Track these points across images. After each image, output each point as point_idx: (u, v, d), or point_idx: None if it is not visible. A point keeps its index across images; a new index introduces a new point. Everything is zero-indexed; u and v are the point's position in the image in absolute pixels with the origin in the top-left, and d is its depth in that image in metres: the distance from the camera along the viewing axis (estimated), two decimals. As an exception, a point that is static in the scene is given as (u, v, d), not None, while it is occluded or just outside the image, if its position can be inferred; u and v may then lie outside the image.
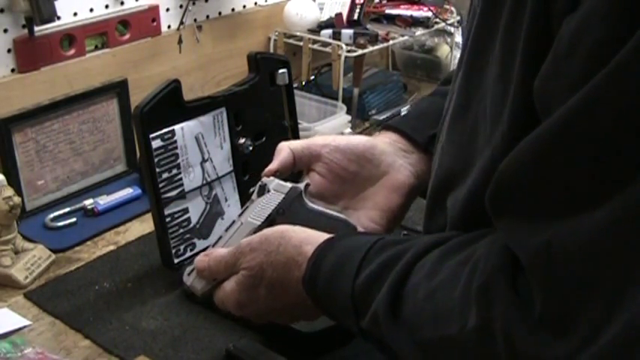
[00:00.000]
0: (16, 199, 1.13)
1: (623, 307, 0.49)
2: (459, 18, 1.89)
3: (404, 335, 0.65)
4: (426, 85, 1.96)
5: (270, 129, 1.22)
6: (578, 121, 0.51)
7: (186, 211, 1.11)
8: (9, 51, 1.34)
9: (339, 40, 1.66)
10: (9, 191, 1.13)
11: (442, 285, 0.63)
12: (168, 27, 1.58)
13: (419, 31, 1.79)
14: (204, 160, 1.13)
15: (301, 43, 1.71)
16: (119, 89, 1.41)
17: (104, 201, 1.32)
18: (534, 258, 0.54)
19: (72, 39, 1.41)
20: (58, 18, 1.36)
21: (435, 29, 1.84)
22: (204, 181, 1.14)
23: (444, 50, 1.98)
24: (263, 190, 0.88)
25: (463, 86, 0.70)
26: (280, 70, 1.20)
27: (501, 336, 0.56)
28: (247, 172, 1.20)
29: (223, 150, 1.16)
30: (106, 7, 1.47)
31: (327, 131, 1.51)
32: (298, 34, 1.72)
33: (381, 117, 1.73)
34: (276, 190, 0.88)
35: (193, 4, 1.59)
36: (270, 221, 0.86)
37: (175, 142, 1.09)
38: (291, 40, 1.74)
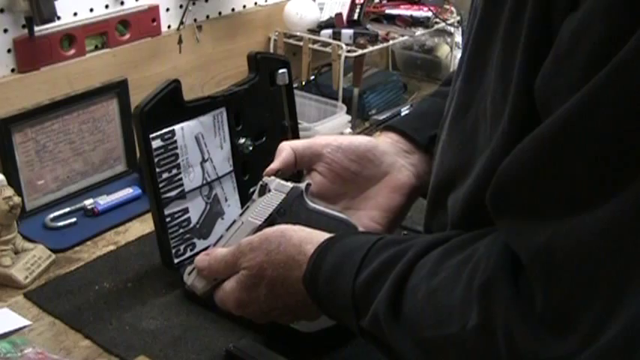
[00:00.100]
0: (16, 199, 1.13)
1: (623, 306, 0.49)
2: (459, 18, 1.89)
3: (404, 334, 0.65)
4: (426, 85, 1.96)
5: (270, 129, 1.22)
6: (578, 120, 0.51)
7: (186, 211, 1.11)
8: (9, 51, 1.34)
9: (339, 40, 1.66)
10: (9, 191, 1.13)
11: (443, 284, 0.63)
12: (168, 27, 1.58)
13: (419, 31, 1.79)
14: (204, 160, 1.13)
15: (301, 43, 1.71)
16: (119, 89, 1.41)
17: (104, 201, 1.32)
18: (535, 257, 0.54)
19: (72, 39, 1.41)
20: (58, 18, 1.36)
21: (435, 29, 1.84)
22: (204, 181, 1.14)
23: (444, 50, 1.98)
24: (264, 190, 0.88)
25: (464, 86, 0.70)
26: (280, 70, 1.20)
27: (502, 335, 0.56)
28: (247, 172, 1.20)
29: (223, 150, 1.16)
30: (106, 7, 1.47)
31: (327, 131, 1.51)
32: (298, 34, 1.72)
33: (381, 117, 1.73)
34: (277, 189, 0.88)
35: (193, 4, 1.59)
36: (271, 221, 0.86)
37: (175, 142, 1.09)
38: (291, 40, 1.74)
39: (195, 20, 1.62)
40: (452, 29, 1.91)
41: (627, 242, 0.49)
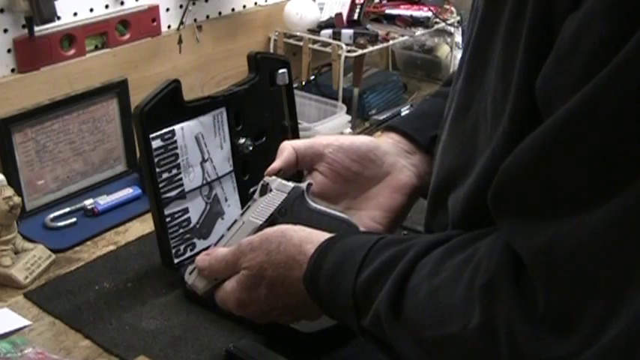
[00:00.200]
0: (16, 199, 1.12)
1: (624, 305, 0.49)
2: (459, 18, 1.89)
3: (405, 334, 0.65)
4: (426, 85, 1.96)
5: (270, 129, 1.22)
6: (579, 120, 0.51)
7: (186, 211, 1.11)
8: (9, 51, 1.34)
9: (339, 40, 1.66)
10: (9, 191, 1.13)
11: (444, 284, 0.63)
12: (168, 27, 1.58)
13: (419, 31, 1.79)
14: (204, 160, 1.13)
15: (301, 43, 1.71)
16: (119, 89, 1.41)
17: (104, 201, 1.32)
18: (536, 257, 0.54)
19: (72, 39, 1.41)
20: (58, 18, 1.36)
21: (435, 29, 1.84)
22: (204, 181, 1.13)
23: (444, 50, 1.98)
24: (265, 190, 0.88)
25: (464, 86, 0.70)
26: (280, 70, 1.20)
27: (504, 334, 0.56)
28: (247, 172, 1.20)
29: (223, 150, 1.16)
30: (106, 7, 1.47)
31: (327, 131, 1.51)
32: (298, 34, 1.72)
33: (381, 117, 1.73)
34: (278, 189, 0.88)
35: (193, 4, 1.59)
36: (272, 221, 0.86)
37: (175, 142, 1.09)
38: (291, 40, 1.74)
39: (195, 20, 1.62)
40: (452, 29, 1.91)
41: (628, 242, 0.49)
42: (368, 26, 1.73)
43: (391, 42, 1.74)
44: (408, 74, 2.01)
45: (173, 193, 1.09)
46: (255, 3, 1.76)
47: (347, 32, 1.66)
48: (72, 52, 1.41)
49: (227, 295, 0.83)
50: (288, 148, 0.92)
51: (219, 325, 1.03)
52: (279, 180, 0.89)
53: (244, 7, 1.74)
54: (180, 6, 1.58)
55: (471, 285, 0.60)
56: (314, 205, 0.87)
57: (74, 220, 1.29)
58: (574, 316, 0.52)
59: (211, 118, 1.13)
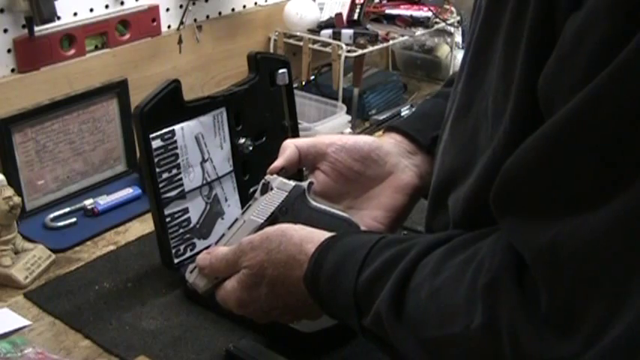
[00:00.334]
0: (16, 199, 1.12)
1: (627, 306, 0.49)
2: (459, 18, 1.89)
3: (407, 334, 0.65)
4: (426, 85, 1.96)
5: (270, 129, 1.22)
6: (581, 119, 0.51)
7: (186, 211, 1.11)
8: (9, 51, 1.34)
9: (339, 40, 1.66)
10: (9, 191, 1.13)
11: (446, 283, 0.63)
12: (168, 27, 1.58)
13: (419, 31, 1.79)
14: (204, 160, 1.13)
15: (301, 43, 1.71)
16: (119, 89, 1.41)
17: (104, 201, 1.32)
18: (539, 257, 0.54)
19: (72, 39, 1.41)
20: (58, 18, 1.36)
21: (435, 29, 1.84)
22: (204, 181, 1.13)
23: (444, 50, 1.98)
24: (266, 188, 0.88)
25: (466, 86, 0.70)
26: (280, 70, 1.20)
27: (507, 334, 0.56)
28: (247, 172, 1.20)
29: (223, 150, 1.16)
30: (106, 7, 1.47)
31: (327, 131, 1.51)
32: (298, 34, 1.72)
33: (381, 117, 1.73)
34: (280, 188, 0.88)
35: (193, 4, 1.59)
36: (273, 219, 0.86)
37: (175, 142, 1.09)
38: (291, 40, 1.74)
39: (195, 20, 1.62)
40: (452, 29, 1.91)
41: (630, 242, 0.49)
42: (368, 26, 1.73)
43: (391, 42, 1.74)
44: (408, 74, 2.01)
45: (173, 193, 1.09)
46: (255, 3, 1.76)
47: (347, 32, 1.66)
48: (72, 52, 1.41)
49: (227, 294, 0.83)
50: (290, 147, 0.92)
51: (219, 325, 1.03)
52: (281, 179, 0.89)
53: (244, 7, 1.74)
54: (180, 6, 1.58)
55: (473, 285, 0.60)
56: (315, 204, 0.87)
57: (74, 220, 1.29)
58: (577, 316, 0.52)
59: (211, 118, 1.13)
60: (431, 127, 0.90)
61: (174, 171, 1.09)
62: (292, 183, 0.88)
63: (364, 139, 0.93)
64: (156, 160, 1.06)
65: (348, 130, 1.63)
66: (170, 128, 1.08)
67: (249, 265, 0.80)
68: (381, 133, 0.99)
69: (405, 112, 1.72)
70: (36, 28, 1.34)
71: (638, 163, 0.48)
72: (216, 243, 0.90)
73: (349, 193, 0.92)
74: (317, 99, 1.65)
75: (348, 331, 0.76)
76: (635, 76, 0.48)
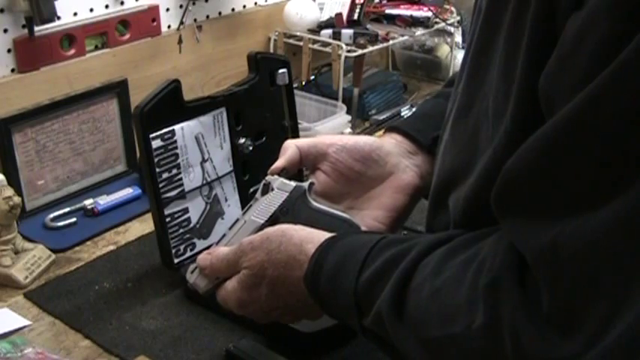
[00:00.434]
0: (16, 199, 1.12)
1: (628, 305, 0.48)
2: (459, 18, 1.89)
3: (408, 334, 0.65)
4: (426, 85, 1.96)
5: (270, 129, 1.22)
6: (582, 120, 0.51)
7: (186, 211, 1.11)
8: (9, 51, 1.34)
9: (339, 40, 1.66)
10: (9, 191, 1.13)
11: (447, 283, 0.63)
12: (168, 27, 1.58)
13: (419, 31, 1.79)
14: (204, 160, 1.13)
15: (301, 43, 1.71)
16: (119, 89, 1.41)
17: (104, 201, 1.32)
18: (540, 257, 0.54)
19: (72, 39, 1.41)
20: (58, 18, 1.36)
21: (435, 29, 1.84)
22: (204, 181, 1.13)
23: (444, 50, 1.98)
24: (267, 189, 0.88)
25: (466, 86, 0.70)
26: (280, 70, 1.20)
27: (508, 335, 0.56)
28: (247, 172, 1.20)
29: (223, 150, 1.16)
30: (106, 7, 1.47)
31: (327, 131, 1.51)
32: (298, 34, 1.72)
33: (381, 117, 1.73)
34: (280, 188, 0.88)
35: (193, 4, 1.59)
36: (274, 220, 0.86)
37: (175, 142, 1.09)
38: (291, 40, 1.74)
39: (195, 20, 1.62)
40: (452, 29, 1.91)
41: (631, 241, 0.49)
42: (368, 26, 1.73)
43: (391, 42, 1.74)
44: (408, 74, 2.01)
45: (173, 193, 1.09)
46: (255, 3, 1.76)
47: (347, 32, 1.66)
48: (72, 52, 1.41)
49: (228, 295, 0.83)
50: (291, 147, 0.92)
51: (219, 325, 1.03)
52: (281, 179, 0.89)
53: (244, 7, 1.74)
54: (180, 6, 1.58)
55: (475, 285, 0.60)
56: (316, 204, 0.87)
57: (74, 220, 1.29)
58: (578, 317, 0.52)
59: (211, 118, 1.13)
60: (432, 128, 0.90)
61: (174, 171, 1.09)
62: (293, 184, 0.88)
63: (365, 140, 0.93)
64: (156, 160, 1.06)
65: (348, 130, 1.63)
66: (170, 128, 1.08)
67: (250, 266, 0.80)
68: (381, 133, 0.99)
69: (405, 112, 1.72)
70: (36, 28, 1.34)
71: (639, 163, 0.48)
72: (217, 243, 0.90)
73: (350, 193, 0.92)
74: (317, 99, 1.65)
75: (348, 331, 0.76)
76: (636, 76, 0.48)
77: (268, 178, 0.89)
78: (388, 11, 1.80)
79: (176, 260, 1.10)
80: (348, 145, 0.92)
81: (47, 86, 1.36)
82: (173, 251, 1.10)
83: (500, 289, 0.58)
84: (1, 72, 1.34)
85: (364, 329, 0.71)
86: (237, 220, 0.89)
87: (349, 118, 1.63)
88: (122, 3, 1.49)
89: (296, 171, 0.93)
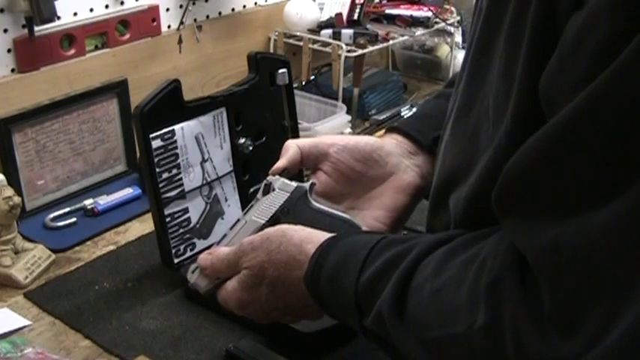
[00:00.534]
0: (16, 199, 1.12)
1: (629, 305, 0.48)
2: (459, 18, 1.89)
3: (409, 334, 0.65)
4: (426, 85, 1.96)
5: (270, 129, 1.22)
6: (582, 120, 0.51)
7: (186, 211, 1.11)
8: (9, 51, 1.34)
9: (339, 40, 1.66)
10: (9, 191, 1.13)
11: (448, 283, 0.63)
12: (168, 27, 1.58)
13: (419, 31, 1.79)
14: (204, 160, 1.13)
15: (301, 43, 1.71)
16: (119, 89, 1.41)
17: (104, 201, 1.32)
18: (541, 257, 0.54)
19: (72, 39, 1.41)
20: (58, 18, 1.36)
21: (435, 29, 1.84)
22: (204, 181, 1.13)
23: (444, 50, 1.98)
24: (268, 189, 0.88)
25: (467, 86, 0.70)
26: (280, 70, 1.20)
27: (510, 334, 0.56)
28: (247, 172, 1.20)
29: (223, 150, 1.16)
30: (106, 7, 1.47)
31: (327, 131, 1.51)
32: (298, 34, 1.72)
33: (381, 117, 1.73)
34: (281, 189, 0.88)
35: (193, 4, 1.59)
36: (275, 220, 0.86)
37: (175, 142, 1.09)
38: (291, 40, 1.74)
39: (195, 20, 1.62)
40: (452, 29, 1.91)
41: (632, 242, 0.49)
42: (368, 26, 1.73)
43: (391, 42, 1.74)
44: (408, 74, 2.01)
45: (173, 193, 1.09)
46: (255, 3, 1.76)
47: (347, 32, 1.66)
48: (72, 52, 1.41)
49: (228, 295, 0.83)
50: (293, 147, 0.92)
51: (219, 325, 1.03)
52: (282, 179, 0.89)
53: (244, 7, 1.74)
54: (180, 6, 1.58)
55: (476, 284, 0.60)
56: (317, 204, 0.87)
57: (74, 220, 1.29)
58: (579, 316, 0.52)
59: (211, 118, 1.13)
60: (432, 128, 0.91)
61: (174, 171, 1.09)
62: (294, 184, 0.88)
63: (366, 140, 0.94)
64: (156, 160, 1.06)
65: (348, 130, 1.63)
66: (170, 128, 1.08)
67: (250, 266, 0.80)
68: (381, 133, 0.99)
69: (405, 112, 1.72)
70: (36, 28, 1.33)
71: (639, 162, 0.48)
72: (218, 243, 0.90)
73: (351, 193, 0.92)
74: (317, 99, 1.65)
75: (348, 331, 0.76)
76: (636, 76, 0.48)
77: (269, 178, 0.89)
78: (388, 11, 1.80)
79: (176, 260, 1.10)
80: (349, 145, 0.92)
81: (47, 86, 1.36)
82: (173, 251, 1.10)
83: (501, 289, 0.58)
84: (1, 72, 1.34)
85: (365, 329, 0.71)
86: (238, 220, 0.89)
87: (349, 118, 1.63)
88: (122, 3, 1.49)
89: (297, 171, 0.93)
